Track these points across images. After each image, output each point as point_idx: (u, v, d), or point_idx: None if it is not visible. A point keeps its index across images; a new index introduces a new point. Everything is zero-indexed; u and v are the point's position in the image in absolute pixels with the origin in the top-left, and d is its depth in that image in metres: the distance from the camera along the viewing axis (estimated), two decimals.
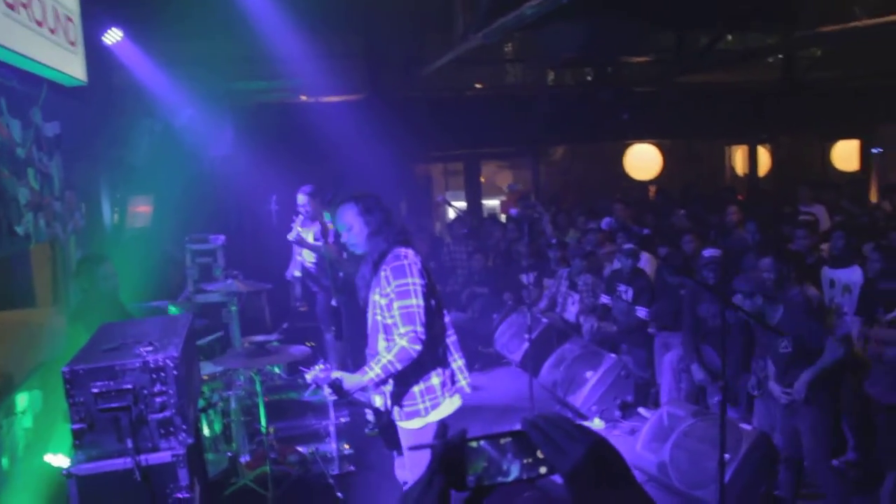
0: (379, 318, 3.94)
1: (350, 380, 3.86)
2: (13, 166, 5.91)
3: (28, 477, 5.72)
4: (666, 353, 6.86)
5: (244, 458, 5.76)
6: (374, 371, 3.81)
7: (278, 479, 5.37)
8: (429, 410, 3.96)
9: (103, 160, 8.40)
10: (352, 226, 3.99)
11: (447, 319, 4.10)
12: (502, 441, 1.33)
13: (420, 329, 3.78)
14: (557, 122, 11.90)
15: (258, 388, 5.31)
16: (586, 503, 1.23)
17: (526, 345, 8.06)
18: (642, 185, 14.03)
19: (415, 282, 3.82)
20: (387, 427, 4.14)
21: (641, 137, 13.16)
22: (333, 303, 6.66)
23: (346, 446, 5.88)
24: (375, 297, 3.94)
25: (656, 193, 12.67)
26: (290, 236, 7.10)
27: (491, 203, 15.06)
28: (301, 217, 7.43)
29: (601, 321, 7.86)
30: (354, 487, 5.67)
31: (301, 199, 7.61)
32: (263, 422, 5.29)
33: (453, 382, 4.08)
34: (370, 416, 4.21)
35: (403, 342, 3.77)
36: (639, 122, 12.18)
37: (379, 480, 5.78)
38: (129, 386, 3.45)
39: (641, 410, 6.90)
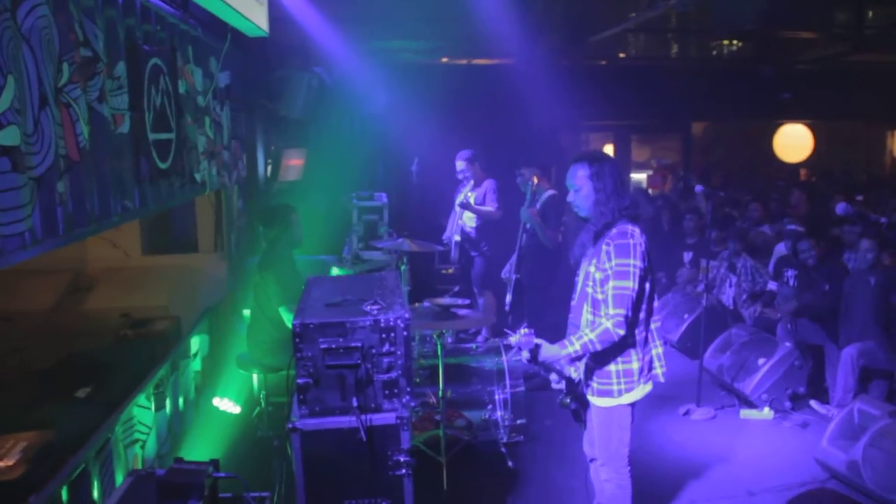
0: (589, 290, 3.77)
1: (549, 349, 3.71)
2: (195, 114, 5.98)
3: (199, 418, 5.86)
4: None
5: None
6: (574, 346, 3.68)
7: (449, 443, 5.31)
8: (622, 392, 3.80)
9: (261, 111, 8.45)
10: (580, 188, 3.78)
11: (655, 304, 3.89)
12: None
13: (628, 314, 3.62)
14: (712, 98, 11.45)
15: (439, 350, 5.25)
16: None
17: (684, 325, 7.83)
18: (790, 168, 13.41)
19: (635, 264, 3.62)
20: (579, 399, 4.00)
21: (800, 118, 12.53)
22: (513, 275, 6.47)
23: (512, 416, 5.78)
24: (590, 269, 3.76)
25: (819, 178, 12.03)
26: (459, 200, 6.98)
27: (635, 177, 14.67)
28: (472, 182, 7.27)
29: (765, 307, 7.54)
30: (524, 457, 5.57)
31: (460, 164, 7.43)
32: (441, 385, 5.24)
33: (650, 369, 3.89)
34: (559, 385, 4.06)
35: (609, 324, 3.62)
36: (798, 101, 11.59)
37: (547, 451, 5.69)
38: (358, 344, 3.40)
39: (813, 403, 6.58)
